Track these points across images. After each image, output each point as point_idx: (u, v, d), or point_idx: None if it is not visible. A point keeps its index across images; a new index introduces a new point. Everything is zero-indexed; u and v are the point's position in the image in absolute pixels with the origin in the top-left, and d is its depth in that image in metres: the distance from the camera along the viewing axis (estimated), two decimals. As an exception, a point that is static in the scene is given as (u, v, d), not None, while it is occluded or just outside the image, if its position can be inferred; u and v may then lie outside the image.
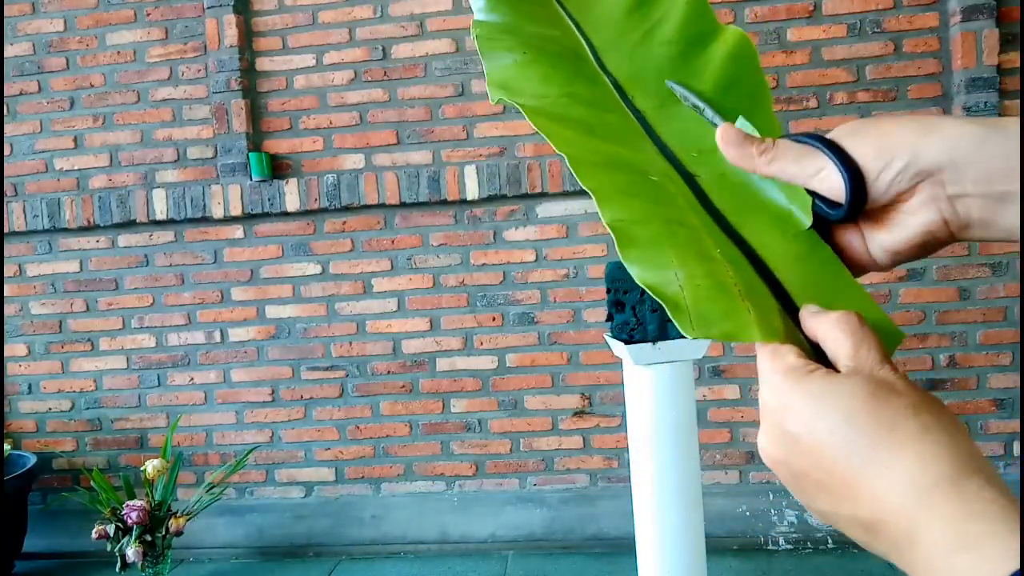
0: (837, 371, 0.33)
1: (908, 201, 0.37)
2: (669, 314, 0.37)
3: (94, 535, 2.03)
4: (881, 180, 0.36)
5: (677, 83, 0.48)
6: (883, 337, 0.35)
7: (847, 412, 0.31)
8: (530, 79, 0.48)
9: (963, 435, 0.31)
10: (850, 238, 0.41)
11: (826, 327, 0.35)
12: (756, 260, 0.40)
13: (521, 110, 0.45)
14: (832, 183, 0.38)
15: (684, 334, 0.37)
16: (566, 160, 0.42)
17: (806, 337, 0.36)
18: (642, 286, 0.39)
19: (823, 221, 0.41)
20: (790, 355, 0.34)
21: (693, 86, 0.48)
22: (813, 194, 0.40)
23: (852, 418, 0.31)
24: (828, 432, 0.31)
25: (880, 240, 0.40)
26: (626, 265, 0.39)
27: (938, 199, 0.35)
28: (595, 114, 0.46)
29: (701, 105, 0.47)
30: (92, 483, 2.10)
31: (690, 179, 0.44)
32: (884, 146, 0.36)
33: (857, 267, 0.42)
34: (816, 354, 0.36)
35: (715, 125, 0.45)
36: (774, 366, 0.35)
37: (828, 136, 0.40)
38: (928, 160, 0.35)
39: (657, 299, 0.38)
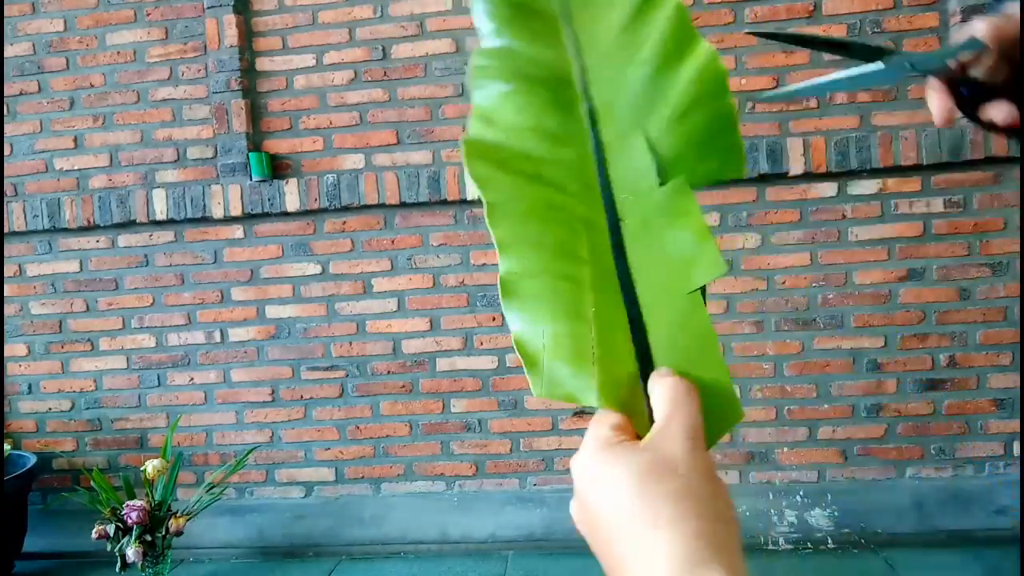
0: (640, 439, 0.36)
1: None
2: (525, 371, 0.40)
3: (94, 535, 2.03)
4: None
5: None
6: (719, 412, 0.38)
7: (622, 493, 0.33)
8: (508, 110, 0.50)
9: (722, 524, 0.33)
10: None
11: (656, 391, 0.38)
12: (637, 321, 0.42)
13: (463, 155, 0.47)
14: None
15: (533, 391, 0.40)
16: (484, 207, 0.44)
17: (649, 403, 0.39)
18: (513, 339, 0.41)
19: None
20: (605, 425, 0.37)
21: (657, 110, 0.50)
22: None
23: (624, 500, 0.33)
24: (609, 513, 0.34)
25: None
26: (506, 316, 0.42)
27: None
28: (551, 150, 0.48)
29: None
30: (92, 483, 2.10)
31: (615, 226, 0.45)
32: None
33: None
34: (652, 419, 0.38)
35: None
36: (590, 434, 0.38)
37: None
38: None
39: (519, 354, 0.41)
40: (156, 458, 2.14)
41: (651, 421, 0.37)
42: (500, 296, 0.43)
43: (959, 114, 0.50)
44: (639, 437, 0.37)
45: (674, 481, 0.33)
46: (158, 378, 2.57)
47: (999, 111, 0.46)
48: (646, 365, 0.40)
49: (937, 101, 0.49)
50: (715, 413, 0.38)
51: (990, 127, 0.48)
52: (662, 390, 0.37)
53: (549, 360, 0.41)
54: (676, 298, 0.42)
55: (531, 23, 0.53)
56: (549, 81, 0.51)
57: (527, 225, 0.45)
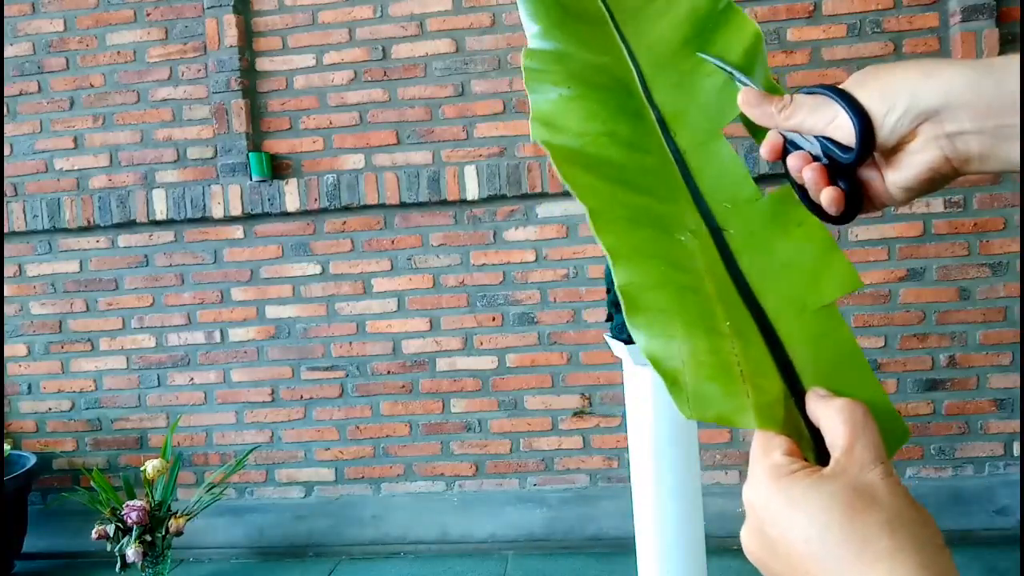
0: (825, 465, 0.34)
1: (912, 142, 0.38)
2: (667, 389, 0.37)
3: (94, 535, 2.03)
4: (886, 123, 0.38)
5: (708, 54, 0.47)
6: (887, 433, 0.35)
7: (822, 524, 0.31)
8: (574, 115, 0.47)
9: (939, 553, 0.31)
10: (870, 175, 0.42)
11: (827, 414, 0.35)
12: (770, 334, 0.39)
13: (551, 158, 0.44)
14: (845, 130, 0.39)
15: (681, 413, 0.36)
16: (587, 214, 0.41)
17: (808, 422, 0.36)
18: (644, 356, 0.38)
19: (840, 166, 0.41)
20: (777, 452, 0.35)
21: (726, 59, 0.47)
22: (828, 140, 0.41)
23: (825, 531, 0.31)
24: (803, 542, 0.31)
25: (892, 179, 0.41)
26: (631, 331, 0.39)
27: (939, 138, 0.37)
28: (632, 156, 0.45)
29: (731, 70, 0.46)
30: (92, 483, 2.10)
31: (718, 234, 0.42)
32: (887, 92, 0.38)
33: (878, 202, 0.43)
34: (815, 441, 0.36)
35: (744, 84, 0.45)
36: (761, 462, 0.35)
37: (839, 86, 0.41)
38: (926, 103, 0.37)
39: (657, 372, 0.37)
40: (156, 458, 2.14)
41: (816, 444, 0.35)
42: (624, 309, 0.39)
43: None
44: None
45: (882, 511, 0.31)
46: (158, 378, 2.57)
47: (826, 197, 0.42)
48: (791, 382, 0.37)
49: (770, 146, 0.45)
50: (883, 434, 0.35)
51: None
52: (834, 413, 0.34)
53: (692, 379, 0.37)
54: (807, 312, 0.39)
55: (580, 28, 0.51)
56: (612, 87, 0.48)
57: (635, 233, 0.42)
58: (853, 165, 0.40)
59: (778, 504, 0.33)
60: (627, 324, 0.39)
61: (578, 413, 2.44)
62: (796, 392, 0.37)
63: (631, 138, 0.46)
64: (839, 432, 0.34)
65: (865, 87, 0.39)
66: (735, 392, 0.37)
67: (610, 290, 1.46)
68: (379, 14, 2.45)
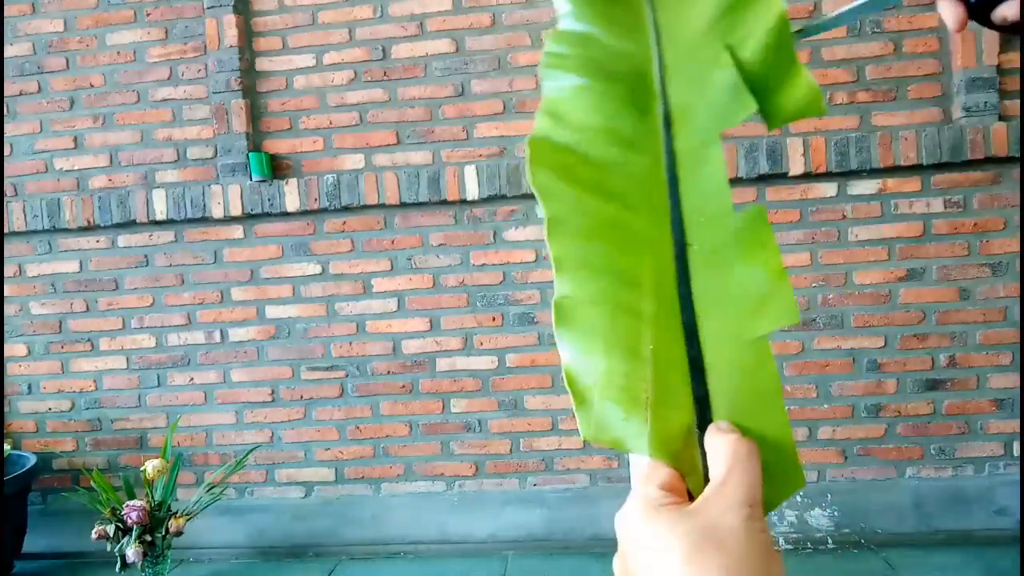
0: (692, 500, 0.34)
1: None
2: (574, 408, 0.37)
3: (94, 535, 2.03)
4: None
5: None
6: (779, 478, 0.35)
7: (668, 561, 0.31)
8: (581, 107, 0.45)
9: None
10: None
11: (714, 447, 0.35)
12: (696, 362, 0.38)
13: (528, 155, 0.43)
14: None
15: (581, 433, 0.37)
16: (546, 222, 0.41)
17: (705, 458, 0.36)
18: (563, 370, 0.38)
19: None
20: (655, 483, 0.35)
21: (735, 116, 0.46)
22: None
23: (669, 569, 0.31)
24: None
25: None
26: (558, 343, 0.39)
27: None
28: (624, 156, 0.44)
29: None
30: (92, 483, 2.10)
31: (682, 249, 0.41)
32: None
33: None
34: (707, 477, 0.35)
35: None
36: (637, 491, 0.36)
37: None
38: None
39: (568, 388, 0.38)
40: (156, 458, 2.14)
41: (706, 480, 0.35)
42: (553, 321, 0.40)
43: (966, 19, 0.48)
44: (691, 496, 0.35)
45: (725, 556, 0.31)
46: (158, 378, 2.57)
47: (1011, 8, 0.44)
48: (704, 413, 0.37)
49: (948, 9, 0.46)
50: (775, 477, 0.35)
51: (1003, 28, 0.46)
52: (720, 447, 0.34)
53: (600, 399, 0.37)
54: (740, 342, 0.38)
55: (613, 8, 0.49)
56: (627, 77, 0.46)
57: (588, 244, 0.41)
58: None
59: (642, 536, 0.34)
60: (554, 334, 0.39)
61: (578, 413, 2.44)
62: (704, 424, 0.37)
63: (630, 136, 0.45)
64: (717, 467, 0.34)
65: None
66: (635, 418, 0.37)
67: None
68: (379, 14, 2.44)
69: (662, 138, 0.45)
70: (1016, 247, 2.26)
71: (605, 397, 0.37)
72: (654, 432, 0.36)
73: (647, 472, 0.36)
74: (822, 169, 2.27)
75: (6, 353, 2.60)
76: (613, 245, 0.41)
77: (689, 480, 0.36)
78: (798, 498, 2.34)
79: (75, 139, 2.56)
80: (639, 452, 0.36)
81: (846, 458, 2.37)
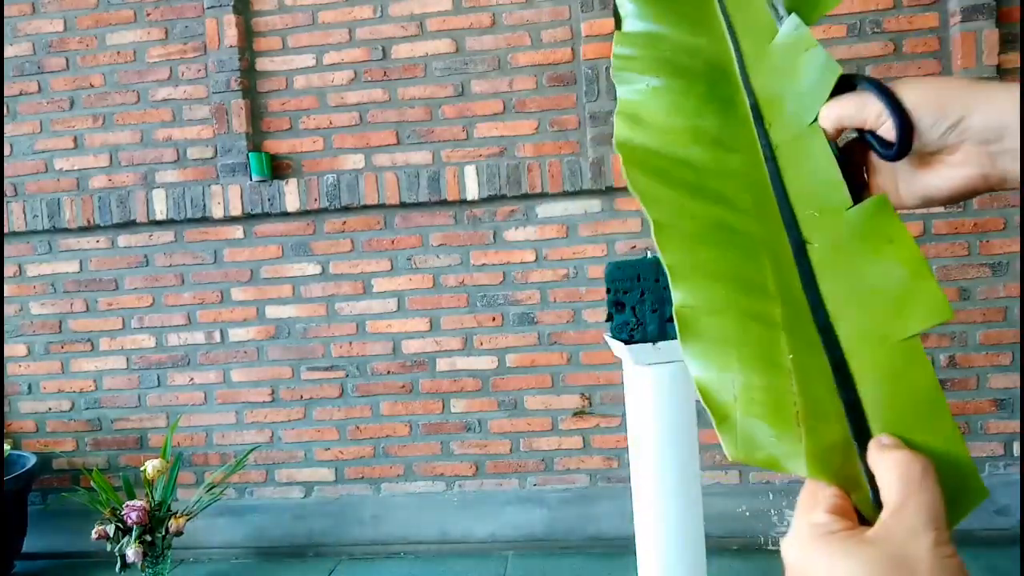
0: (869, 526, 0.31)
1: (953, 154, 0.39)
2: (714, 425, 0.34)
3: (94, 535, 2.03)
4: (935, 130, 0.38)
5: None
6: (959, 493, 0.32)
7: None
8: (660, 108, 0.43)
9: None
10: (884, 178, 0.42)
11: (884, 467, 0.32)
12: (841, 368, 0.35)
13: (623, 163, 0.41)
14: (888, 128, 0.39)
15: (726, 452, 0.34)
16: (651, 226, 0.39)
17: (870, 472, 0.33)
18: (695, 385, 0.35)
19: (859, 151, 0.40)
20: (821, 508, 0.32)
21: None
22: (871, 134, 0.40)
23: None
24: None
25: (920, 182, 0.41)
26: (684, 357, 0.36)
27: (981, 155, 0.38)
28: (716, 156, 0.41)
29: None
30: (92, 483, 2.10)
31: (801, 248, 0.38)
32: (941, 101, 0.38)
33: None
34: (875, 494, 0.33)
35: (780, 18, 0.43)
36: (803, 517, 0.33)
37: (889, 84, 0.40)
38: (979, 123, 0.37)
39: (706, 405, 0.35)
40: (156, 458, 2.14)
41: (875, 497, 0.32)
42: (678, 333, 0.36)
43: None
44: (860, 515, 0.32)
45: None
46: (158, 378, 2.57)
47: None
48: (859, 423, 0.34)
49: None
50: (953, 492, 0.32)
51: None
52: (890, 467, 0.31)
53: (743, 416, 0.34)
54: (887, 344, 0.35)
55: (677, 4, 0.47)
56: (704, 72, 0.44)
57: (700, 249, 0.38)
58: (891, 158, 0.40)
59: (817, 567, 0.31)
60: (681, 348, 0.36)
61: (578, 413, 2.44)
62: (862, 437, 0.34)
63: (718, 133, 0.42)
64: (892, 489, 0.31)
65: (917, 91, 0.39)
66: (787, 435, 0.34)
67: (610, 290, 1.46)
68: (379, 14, 2.45)
69: (755, 132, 0.42)
70: (1016, 247, 2.26)
71: (749, 413, 0.34)
72: (810, 449, 0.33)
73: (810, 495, 0.33)
74: (822, 169, 2.27)
75: (6, 353, 2.60)
76: (726, 248, 0.39)
77: (854, 497, 0.33)
78: (797, 498, 2.34)
79: (75, 139, 2.56)
80: (796, 472, 0.33)
81: (846, 458, 2.36)
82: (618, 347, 1.45)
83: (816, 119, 0.41)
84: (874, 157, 0.42)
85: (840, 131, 0.42)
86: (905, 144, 0.38)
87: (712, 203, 0.40)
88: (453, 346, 2.47)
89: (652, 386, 1.42)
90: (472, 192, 2.38)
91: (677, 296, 0.37)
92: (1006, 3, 2.23)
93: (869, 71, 2.30)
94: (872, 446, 0.33)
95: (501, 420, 2.47)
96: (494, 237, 2.43)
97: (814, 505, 0.33)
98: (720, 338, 0.36)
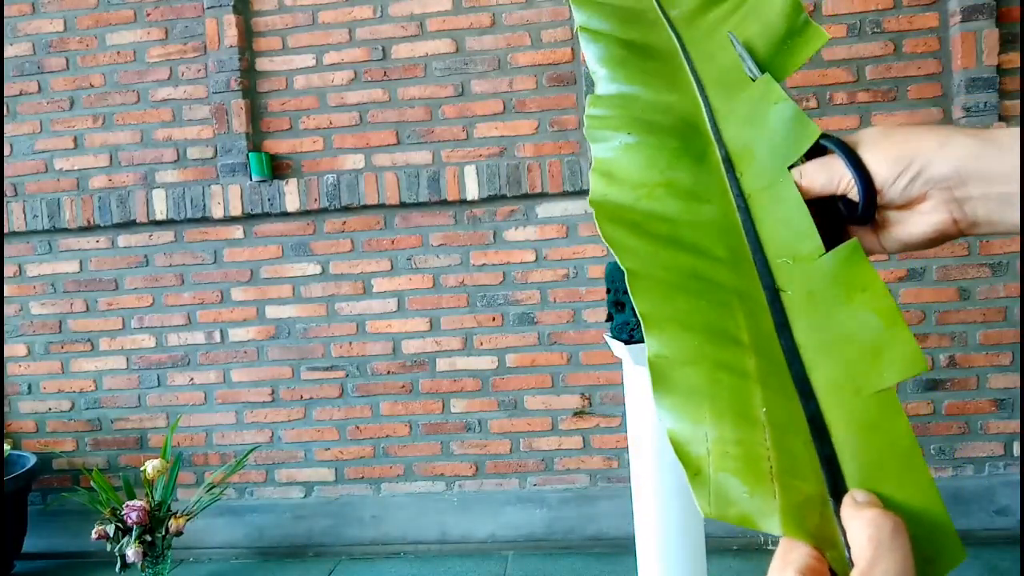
0: None
1: (922, 204, 0.40)
2: (687, 480, 0.34)
3: (94, 535, 2.03)
4: (896, 186, 0.40)
5: (733, 35, 0.45)
6: (936, 553, 0.31)
7: None
8: (634, 164, 0.44)
9: None
10: (862, 228, 0.44)
11: (856, 526, 0.31)
12: (816, 420, 0.34)
13: (595, 218, 0.42)
14: (852, 189, 0.41)
15: (699, 508, 0.33)
16: (626, 276, 0.39)
17: (844, 528, 0.32)
18: (668, 436, 0.35)
19: (840, 216, 0.41)
20: (792, 568, 0.32)
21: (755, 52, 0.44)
22: (841, 198, 0.41)
23: None
24: None
25: (894, 234, 0.42)
26: (656, 408, 0.35)
27: (949, 202, 0.39)
28: (689, 208, 0.42)
29: (744, 55, 0.45)
30: (92, 483, 2.10)
31: (775, 297, 0.38)
32: (901, 157, 0.39)
33: (865, 250, 0.43)
34: (849, 552, 0.32)
35: (752, 78, 0.44)
36: (777, 574, 0.32)
37: (851, 140, 0.41)
38: (939, 171, 0.38)
39: (678, 458, 0.34)
40: (156, 458, 2.14)
41: (849, 555, 0.31)
42: (651, 384, 0.36)
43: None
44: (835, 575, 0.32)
45: None
46: (158, 378, 2.57)
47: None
48: (835, 478, 0.33)
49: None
50: (928, 552, 0.31)
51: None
52: (861, 526, 0.31)
53: (715, 471, 0.34)
54: (862, 395, 0.35)
55: (647, 63, 0.47)
56: (676, 128, 0.45)
57: (675, 299, 0.38)
58: (857, 221, 0.41)
59: None
60: (654, 401, 0.36)
61: (578, 413, 2.44)
62: (838, 492, 0.33)
63: (691, 186, 0.42)
64: (862, 550, 0.30)
65: (877, 149, 0.40)
66: (761, 491, 0.33)
67: (610, 290, 1.46)
68: (379, 14, 2.45)
69: (727, 182, 0.42)
70: (1016, 247, 2.26)
71: (722, 468, 0.34)
72: (784, 507, 0.32)
73: (784, 553, 0.32)
74: (822, 169, 2.27)
75: (6, 353, 2.60)
76: (700, 298, 0.38)
77: (829, 556, 0.32)
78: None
79: (75, 139, 2.56)
80: (771, 530, 0.32)
81: (846, 458, 2.36)
82: (618, 347, 1.45)
83: (788, 167, 0.42)
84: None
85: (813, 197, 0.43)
86: (870, 208, 0.40)
87: (686, 253, 0.40)
88: (453, 346, 2.47)
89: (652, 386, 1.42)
90: (472, 192, 2.38)
91: (651, 346, 0.37)
92: (1006, 3, 2.23)
93: (869, 71, 2.30)
94: (846, 502, 0.32)
95: (501, 420, 2.47)
96: (494, 237, 2.43)
97: (786, 565, 0.32)
98: (693, 390, 0.36)
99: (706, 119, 0.45)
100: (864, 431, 0.34)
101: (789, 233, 0.40)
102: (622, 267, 0.39)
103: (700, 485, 0.34)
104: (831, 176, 0.41)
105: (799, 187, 0.41)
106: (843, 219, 0.41)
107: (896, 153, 0.39)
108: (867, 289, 0.37)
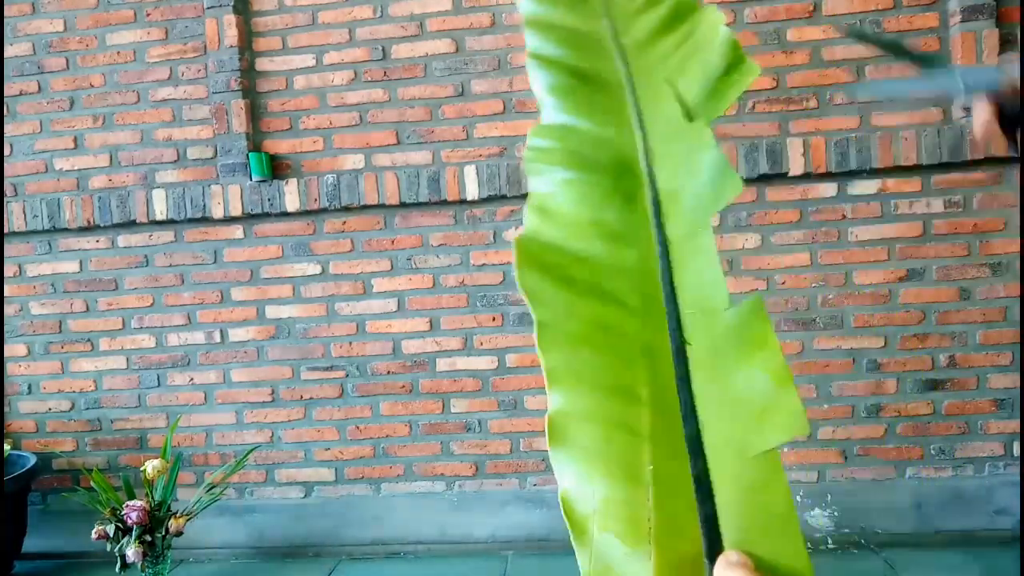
0: None
1: None
2: (572, 539, 0.34)
3: (94, 535, 2.03)
4: None
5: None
6: None
7: None
8: (568, 201, 0.44)
9: None
10: None
11: None
12: (703, 479, 0.35)
13: (516, 265, 0.41)
14: None
15: (579, 565, 0.33)
16: (536, 327, 0.39)
17: None
18: (560, 495, 0.35)
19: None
20: None
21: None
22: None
23: None
24: None
25: None
26: (553, 465, 0.36)
27: None
28: (614, 251, 0.41)
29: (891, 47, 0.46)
30: (92, 483, 2.10)
31: (680, 351, 0.38)
32: None
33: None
34: None
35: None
36: None
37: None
38: None
39: (565, 517, 0.35)
40: (156, 458, 2.13)
41: None
42: (548, 439, 0.36)
43: (998, 131, 0.50)
44: None
45: None
46: (158, 378, 2.57)
47: None
48: (712, 538, 0.34)
49: (981, 116, 0.49)
50: None
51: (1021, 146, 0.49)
52: None
53: (599, 532, 0.34)
54: (745, 456, 0.35)
55: (594, 95, 0.47)
56: (610, 165, 0.44)
57: (579, 353, 0.38)
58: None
59: None
60: (550, 456, 0.36)
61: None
62: (714, 552, 0.33)
63: (619, 227, 0.42)
64: None
65: None
66: (638, 552, 0.33)
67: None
68: (379, 14, 2.44)
69: (652, 227, 0.42)
70: (1016, 247, 2.26)
71: (605, 528, 0.34)
72: (659, 568, 0.33)
73: None
74: (822, 169, 2.27)
75: (6, 353, 2.60)
76: (606, 353, 0.38)
77: None
78: (798, 498, 2.34)
79: (75, 139, 2.56)
80: None
81: (846, 458, 2.37)
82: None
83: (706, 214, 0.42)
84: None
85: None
86: None
87: (600, 303, 0.40)
88: (453, 346, 2.47)
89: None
90: (472, 192, 2.38)
91: (552, 401, 0.37)
92: (1006, 3, 2.23)
93: (868, 71, 2.30)
94: (719, 563, 0.32)
95: (501, 420, 2.47)
96: (494, 237, 2.43)
97: None
98: (587, 448, 0.36)
99: (641, 159, 0.44)
100: (745, 492, 0.34)
101: (701, 284, 0.39)
102: (534, 318, 0.39)
103: (583, 545, 0.34)
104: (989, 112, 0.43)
105: (984, 122, 0.43)
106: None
107: None
108: (764, 348, 0.36)
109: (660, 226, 0.42)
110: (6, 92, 2.55)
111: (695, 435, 0.36)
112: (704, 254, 0.40)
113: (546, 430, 0.36)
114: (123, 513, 2.01)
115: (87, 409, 2.61)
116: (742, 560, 0.32)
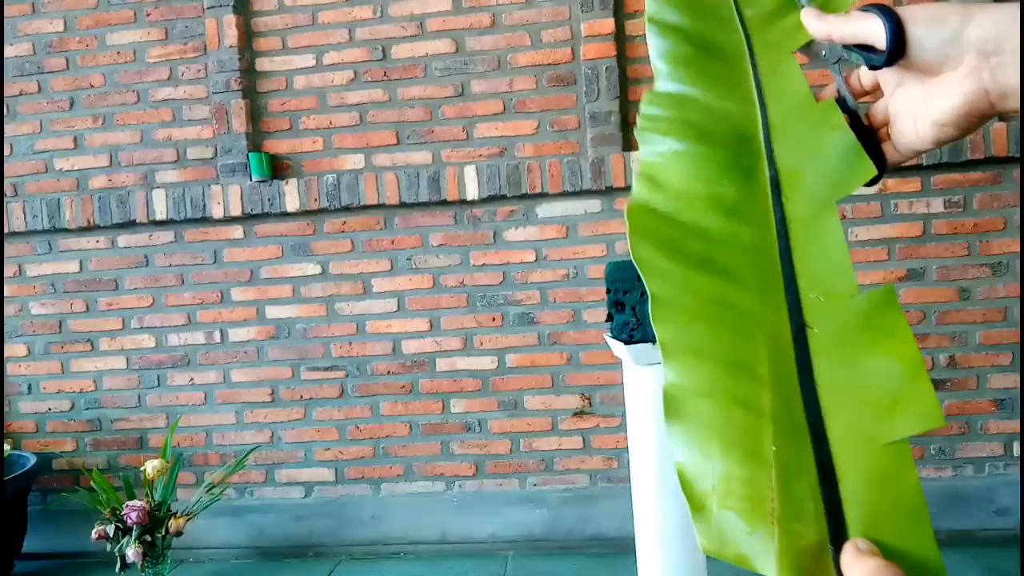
0: None
1: (954, 71, 0.39)
2: (691, 514, 0.33)
3: (94, 535, 2.03)
4: (931, 38, 0.39)
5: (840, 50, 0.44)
6: None
7: None
8: (680, 173, 0.42)
9: None
10: (900, 108, 0.42)
11: (853, 572, 0.31)
12: (825, 464, 0.34)
13: (628, 231, 0.40)
14: (881, 37, 0.40)
15: (699, 544, 0.33)
16: (649, 300, 0.38)
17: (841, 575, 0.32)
18: (676, 468, 0.34)
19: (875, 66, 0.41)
20: None
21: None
22: (866, 48, 0.40)
23: None
24: None
25: (927, 111, 0.41)
26: (668, 440, 0.35)
27: (980, 69, 0.38)
28: (729, 226, 0.40)
29: (841, 84, 0.44)
30: (92, 483, 2.10)
31: (800, 333, 0.37)
32: (936, 15, 0.39)
33: (903, 143, 0.42)
34: None
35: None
36: None
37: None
38: (976, 33, 0.37)
39: (683, 492, 0.34)
40: (156, 458, 2.14)
41: None
42: (664, 412, 0.36)
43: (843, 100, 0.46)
44: None
45: None
46: (158, 378, 2.57)
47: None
48: (837, 525, 0.33)
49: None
50: None
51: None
52: (862, 574, 0.30)
53: (718, 508, 0.33)
54: (875, 445, 0.34)
55: (712, 65, 0.45)
56: (729, 139, 0.43)
57: (695, 327, 0.37)
58: (883, 65, 0.39)
59: None
60: (665, 428, 0.35)
61: (578, 413, 2.44)
62: (838, 538, 0.33)
63: (734, 203, 0.41)
64: None
65: (916, 8, 0.40)
66: (761, 533, 0.32)
67: (610, 290, 1.46)
68: (379, 14, 2.45)
69: (771, 205, 0.41)
70: (1016, 247, 2.26)
71: (725, 506, 0.33)
72: (783, 550, 0.32)
73: None
74: (822, 169, 2.27)
75: (6, 353, 2.60)
76: (724, 328, 0.37)
77: None
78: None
79: (75, 139, 2.56)
80: (766, 572, 0.32)
81: (846, 458, 2.36)
82: (618, 347, 1.45)
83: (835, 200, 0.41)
84: (893, 106, 0.42)
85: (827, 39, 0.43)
86: (898, 44, 0.38)
87: (716, 278, 0.39)
88: (453, 346, 2.47)
89: (652, 386, 1.42)
90: (472, 192, 2.38)
91: (668, 374, 0.37)
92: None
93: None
94: (847, 550, 0.32)
95: (501, 420, 2.47)
96: (494, 237, 2.43)
97: None
98: (705, 423, 0.35)
99: (761, 134, 0.43)
100: (873, 481, 0.33)
101: (826, 268, 0.39)
102: (647, 290, 0.38)
103: (702, 521, 0.33)
104: (861, 25, 0.40)
105: (814, 29, 0.41)
106: (859, 126, 0.40)
107: (935, 11, 0.39)
108: (895, 336, 0.36)
109: (780, 205, 0.41)
110: (6, 92, 2.55)
111: (817, 419, 0.35)
112: (829, 237, 0.40)
113: (662, 404, 0.36)
114: (123, 513, 2.01)
115: (87, 409, 2.61)
116: (870, 548, 0.32)
